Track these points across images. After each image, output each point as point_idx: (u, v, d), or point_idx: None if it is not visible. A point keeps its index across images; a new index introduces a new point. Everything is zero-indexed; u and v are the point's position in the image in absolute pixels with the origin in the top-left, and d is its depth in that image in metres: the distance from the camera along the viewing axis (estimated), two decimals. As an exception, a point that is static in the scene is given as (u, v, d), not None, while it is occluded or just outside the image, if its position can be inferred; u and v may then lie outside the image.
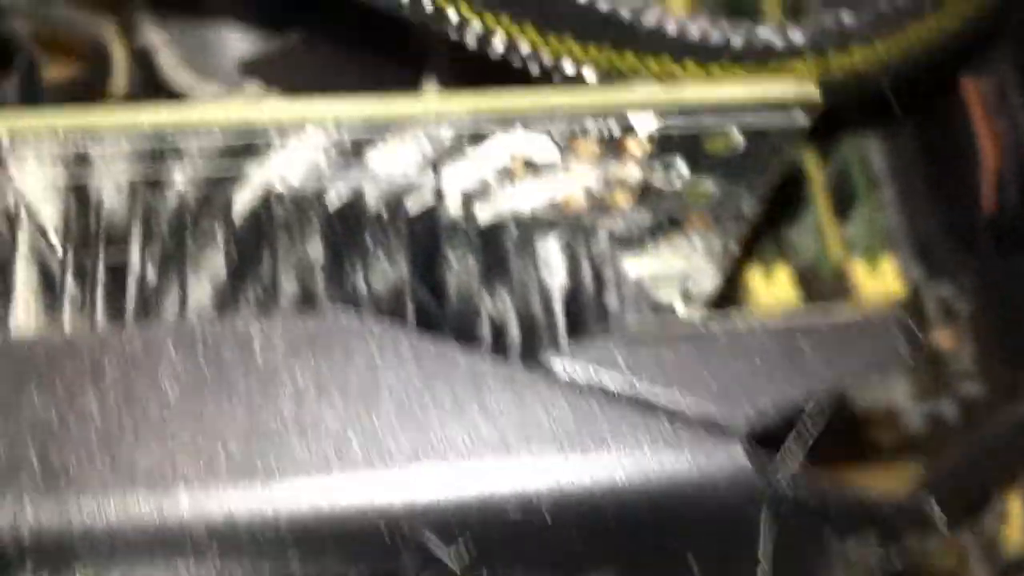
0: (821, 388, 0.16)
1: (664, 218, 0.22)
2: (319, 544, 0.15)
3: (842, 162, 0.40)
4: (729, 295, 0.36)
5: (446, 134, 0.18)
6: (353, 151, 0.19)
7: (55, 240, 0.19)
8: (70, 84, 0.35)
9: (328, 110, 0.18)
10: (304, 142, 0.18)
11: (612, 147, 0.19)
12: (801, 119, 0.19)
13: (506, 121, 0.18)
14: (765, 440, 0.16)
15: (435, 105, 0.18)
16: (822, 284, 0.37)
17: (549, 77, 0.22)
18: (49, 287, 0.19)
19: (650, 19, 0.21)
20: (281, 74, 0.35)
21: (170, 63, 0.34)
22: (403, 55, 0.33)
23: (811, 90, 0.19)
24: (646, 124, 0.19)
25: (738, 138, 0.19)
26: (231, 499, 0.15)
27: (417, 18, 0.21)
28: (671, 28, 0.21)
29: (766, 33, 0.23)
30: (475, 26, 0.21)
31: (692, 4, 0.36)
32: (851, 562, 0.17)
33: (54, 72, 0.35)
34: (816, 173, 0.40)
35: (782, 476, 0.15)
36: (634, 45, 0.22)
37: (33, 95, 0.32)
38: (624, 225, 0.21)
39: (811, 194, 0.39)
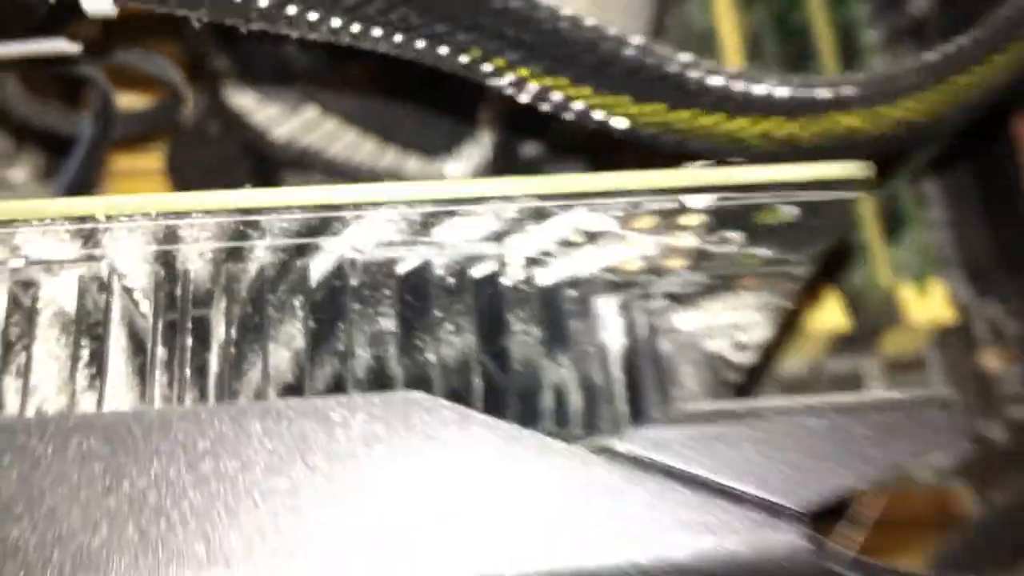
0: (874, 472, 0.17)
1: (717, 278, 0.22)
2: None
3: (892, 185, 0.40)
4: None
5: (510, 213, 0.19)
6: (423, 226, 0.20)
7: (146, 308, 0.20)
8: (142, 115, 0.36)
9: (400, 192, 0.19)
10: (377, 218, 0.19)
11: (667, 221, 0.20)
12: (852, 195, 0.20)
13: (568, 201, 0.19)
14: (822, 523, 0.17)
15: (500, 187, 0.19)
16: (871, 309, 0.38)
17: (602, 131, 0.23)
18: (139, 351, 0.20)
19: (700, 75, 0.22)
20: (339, 101, 0.36)
21: (234, 87, 0.35)
22: (459, 95, 0.34)
23: (863, 168, 0.19)
24: (699, 202, 0.19)
25: (788, 212, 0.20)
26: None
27: (477, 79, 0.22)
28: (720, 83, 0.22)
29: (817, 87, 0.24)
30: (532, 86, 0.22)
31: (748, 53, 0.37)
32: None
33: (125, 101, 0.37)
34: (866, 197, 0.40)
35: (839, 559, 0.16)
36: (687, 102, 0.23)
37: (108, 128, 0.34)
38: (678, 284, 0.22)
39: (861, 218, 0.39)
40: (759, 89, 0.23)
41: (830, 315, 0.37)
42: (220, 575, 0.16)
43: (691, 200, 0.19)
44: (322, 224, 0.20)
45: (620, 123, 0.23)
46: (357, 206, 0.19)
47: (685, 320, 0.23)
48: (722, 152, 0.23)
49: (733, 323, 0.24)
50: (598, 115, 0.23)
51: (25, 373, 0.19)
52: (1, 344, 0.20)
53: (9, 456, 0.17)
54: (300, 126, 0.35)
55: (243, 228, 0.19)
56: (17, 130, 0.34)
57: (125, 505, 0.16)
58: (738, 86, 0.23)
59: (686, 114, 0.24)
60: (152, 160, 0.38)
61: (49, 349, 0.20)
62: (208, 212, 0.19)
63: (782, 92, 0.24)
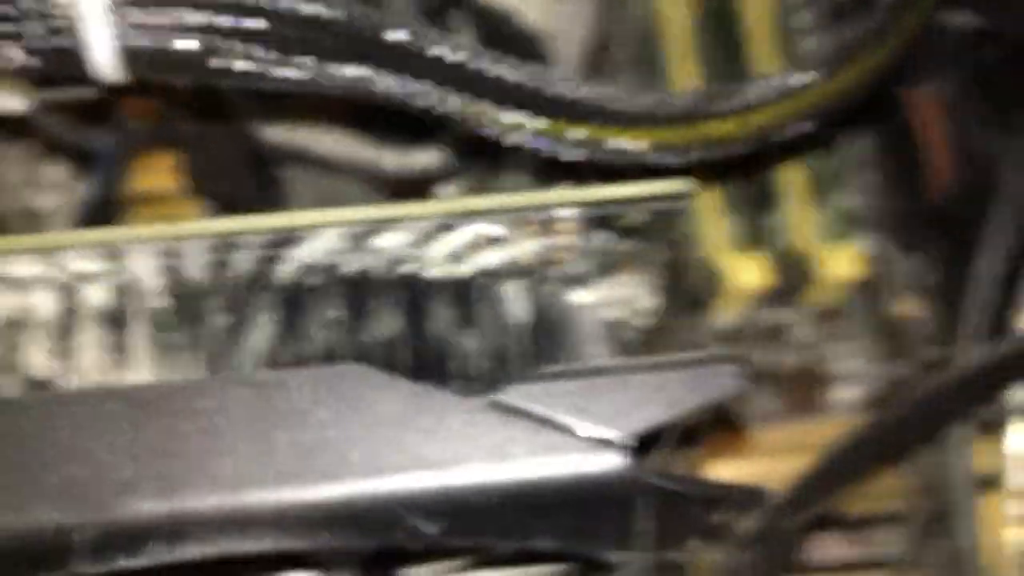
0: (680, 410, 0.24)
1: (600, 265, 0.29)
2: (344, 524, 0.23)
3: (813, 154, 0.45)
4: (704, 286, 0.43)
5: (425, 226, 0.26)
6: (360, 238, 0.27)
7: (158, 305, 0.27)
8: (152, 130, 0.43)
9: (341, 216, 0.26)
10: (326, 234, 0.26)
11: (546, 226, 0.27)
12: (682, 204, 0.26)
13: (466, 218, 0.26)
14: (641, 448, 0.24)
15: (417, 209, 0.26)
16: (792, 268, 0.43)
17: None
18: (156, 338, 0.27)
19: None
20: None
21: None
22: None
23: (687, 184, 0.26)
24: (567, 214, 0.26)
25: (638, 217, 0.26)
26: (280, 495, 0.23)
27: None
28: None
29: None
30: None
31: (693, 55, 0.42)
32: (710, 529, 0.24)
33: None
34: (793, 166, 0.45)
35: (656, 474, 0.23)
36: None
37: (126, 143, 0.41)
38: (569, 271, 0.29)
39: (784, 183, 0.44)
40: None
41: (754, 274, 0.42)
42: (210, 493, 0.23)
43: (561, 212, 0.26)
44: (286, 240, 0.27)
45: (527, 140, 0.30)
46: (312, 226, 0.26)
47: (580, 296, 0.30)
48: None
49: (622, 296, 0.31)
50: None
51: (71, 358, 0.27)
52: (57, 336, 0.27)
53: (63, 418, 0.24)
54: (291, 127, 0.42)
55: (227, 244, 0.27)
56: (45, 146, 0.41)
57: (143, 450, 0.24)
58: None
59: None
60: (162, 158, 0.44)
61: (92, 338, 0.27)
62: (200, 235, 0.26)
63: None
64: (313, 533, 0.23)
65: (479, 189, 0.43)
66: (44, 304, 0.27)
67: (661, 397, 0.23)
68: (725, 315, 0.43)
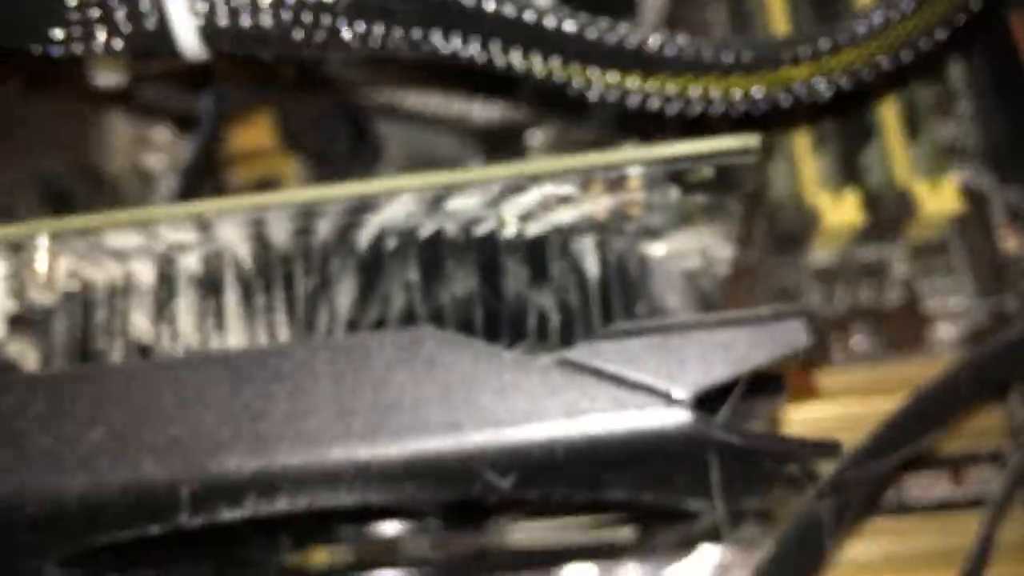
0: (745, 367, 0.24)
1: (673, 218, 0.29)
2: (423, 479, 0.25)
3: (911, 85, 0.44)
4: (798, 225, 0.42)
5: (495, 189, 0.27)
6: (435, 202, 0.28)
7: (249, 272, 0.29)
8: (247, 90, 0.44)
9: (418, 181, 0.27)
10: (403, 199, 0.27)
11: (614, 185, 0.27)
12: (749, 159, 0.27)
13: (537, 179, 0.27)
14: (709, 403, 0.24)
15: (485, 173, 0.26)
16: (887, 206, 0.42)
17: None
18: (248, 303, 0.29)
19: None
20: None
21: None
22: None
23: (752, 139, 0.26)
24: (634, 171, 0.27)
25: (707, 172, 0.27)
26: (363, 451, 0.25)
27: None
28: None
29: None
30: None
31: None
32: (785, 480, 0.25)
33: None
34: (886, 101, 0.44)
35: (721, 428, 0.24)
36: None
37: (222, 105, 0.42)
38: (641, 224, 0.29)
39: (879, 117, 0.44)
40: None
41: (848, 213, 0.42)
42: (299, 451, 0.25)
43: (628, 171, 0.27)
44: (365, 206, 0.28)
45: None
46: (389, 192, 0.27)
47: (655, 248, 0.31)
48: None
49: (698, 246, 0.31)
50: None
51: (171, 322, 0.28)
52: (156, 302, 0.29)
53: (166, 382, 0.26)
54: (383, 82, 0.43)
55: (309, 212, 0.28)
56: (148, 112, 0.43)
57: (241, 410, 0.25)
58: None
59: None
60: (265, 122, 0.46)
61: (187, 304, 0.29)
62: (282, 205, 0.27)
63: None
64: (395, 487, 0.25)
65: (565, 137, 0.44)
66: (144, 273, 0.29)
67: (728, 353, 0.24)
68: (821, 253, 0.43)
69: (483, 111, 0.43)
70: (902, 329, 0.42)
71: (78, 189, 0.45)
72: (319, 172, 0.44)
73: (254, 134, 0.46)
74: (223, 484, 0.25)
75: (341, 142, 0.44)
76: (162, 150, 0.47)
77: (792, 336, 0.24)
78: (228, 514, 0.25)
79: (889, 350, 0.42)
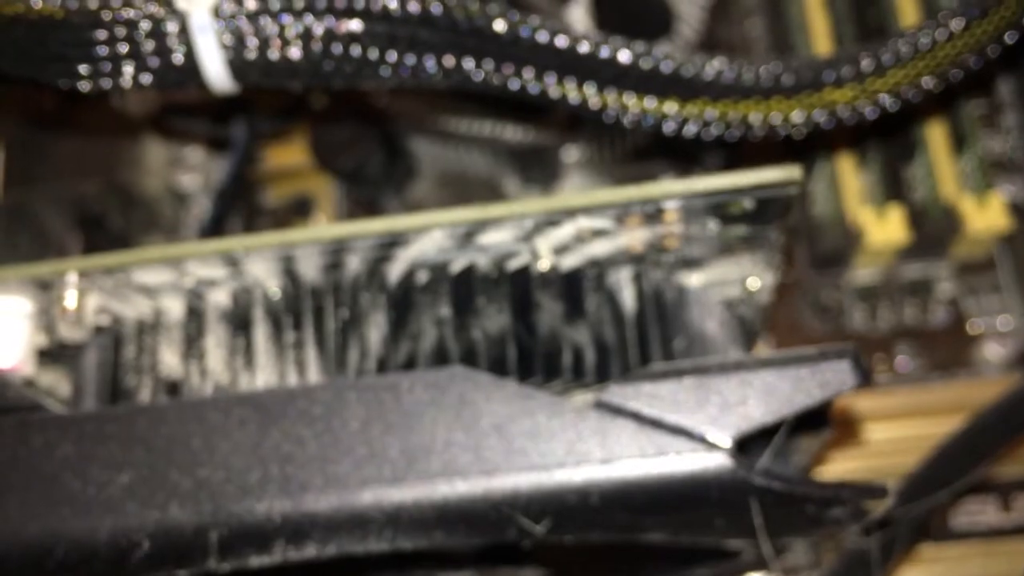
0: (787, 411, 0.23)
1: (712, 249, 0.29)
2: (455, 524, 0.24)
3: (957, 102, 0.43)
4: (841, 243, 0.41)
5: (529, 224, 0.26)
6: (467, 236, 0.27)
7: (280, 308, 0.28)
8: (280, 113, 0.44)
9: (449, 217, 0.26)
10: (434, 235, 0.27)
11: (651, 218, 0.26)
12: (790, 191, 0.26)
13: (571, 213, 0.26)
14: (752, 448, 0.24)
15: (518, 208, 0.26)
16: (932, 221, 0.41)
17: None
18: (278, 340, 0.28)
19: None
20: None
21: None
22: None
23: (794, 170, 0.25)
24: (671, 205, 0.26)
25: (748, 204, 0.26)
26: (393, 495, 0.24)
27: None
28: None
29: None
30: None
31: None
32: (822, 527, 0.24)
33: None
34: (931, 115, 0.43)
35: (756, 473, 0.23)
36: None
37: (254, 131, 0.42)
38: (679, 255, 0.28)
39: (923, 131, 0.42)
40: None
41: (893, 230, 0.41)
42: (330, 495, 0.24)
43: (665, 204, 0.26)
44: (395, 241, 0.27)
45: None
46: (420, 228, 0.27)
47: (694, 278, 0.30)
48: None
49: (740, 275, 0.30)
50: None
51: (200, 359, 0.28)
52: (185, 338, 0.28)
53: (195, 423, 0.25)
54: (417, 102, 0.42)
55: (339, 247, 0.27)
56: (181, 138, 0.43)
57: (270, 452, 0.25)
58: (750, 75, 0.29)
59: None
60: (299, 141, 0.46)
61: (217, 340, 0.28)
62: (312, 241, 0.27)
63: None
64: (426, 533, 0.24)
65: (599, 158, 0.43)
66: (173, 309, 0.28)
67: (771, 396, 0.23)
68: (864, 271, 0.42)
69: (516, 131, 0.42)
70: (948, 349, 0.41)
71: (111, 210, 0.45)
72: (353, 191, 0.44)
73: (288, 153, 0.46)
74: (252, 529, 0.24)
75: (375, 161, 0.44)
76: (196, 170, 0.47)
77: (838, 377, 0.23)
78: (257, 560, 0.24)
79: (934, 371, 0.41)
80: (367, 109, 0.43)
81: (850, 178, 0.41)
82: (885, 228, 0.40)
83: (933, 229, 0.40)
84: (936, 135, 0.41)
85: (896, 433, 0.40)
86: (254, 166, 0.44)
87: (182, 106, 0.41)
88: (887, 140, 0.42)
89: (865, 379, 0.22)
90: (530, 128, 0.42)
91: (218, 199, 0.43)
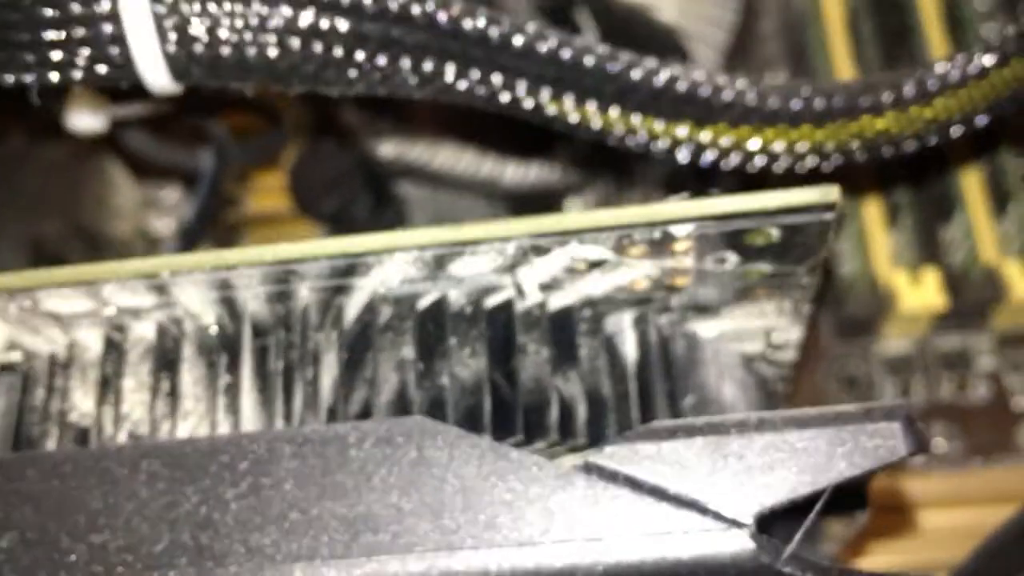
0: (825, 481, 0.18)
1: (730, 291, 0.24)
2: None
3: (998, 157, 0.40)
4: (869, 308, 0.38)
5: (511, 250, 0.22)
6: (437, 264, 0.23)
7: (214, 344, 0.24)
8: (254, 146, 0.41)
9: (417, 238, 0.22)
10: (398, 260, 0.22)
11: (658, 247, 0.22)
12: (827, 216, 0.21)
13: (560, 238, 0.22)
14: (775, 525, 0.19)
15: (499, 229, 0.21)
16: (971, 287, 0.38)
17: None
18: (210, 382, 0.24)
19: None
20: (437, 116, 0.39)
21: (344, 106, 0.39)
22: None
23: (832, 192, 0.21)
24: (682, 230, 0.21)
25: (774, 233, 0.22)
26: (332, 574, 0.19)
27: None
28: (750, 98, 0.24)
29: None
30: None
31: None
32: None
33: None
34: (970, 171, 0.40)
35: (784, 560, 0.18)
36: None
37: (225, 162, 0.39)
38: (690, 298, 0.24)
39: (961, 187, 0.39)
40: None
41: (928, 294, 0.38)
42: (251, 571, 0.19)
43: (675, 229, 0.21)
44: (353, 267, 0.23)
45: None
46: (382, 251, 0.22)
47: (708, 328, 0.25)
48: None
49: (763, 326, 0.26)
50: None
51: (117, 403, 0.23)
52: (99, 379, 0.24)
53: (94, 478, 0.21)
54: (404, 141, 0.39)
55: (287, 273, 0.23)
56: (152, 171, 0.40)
57: (183, 517, 0.20)
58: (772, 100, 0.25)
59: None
60: (276, 179, 0.43)
61: (138, 382, 0.24)
62: (252, 264, 0.22)
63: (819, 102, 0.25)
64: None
65: (608, 203, 0.39)
66: (91, 344, 0.24)
67: (803, 463, 0.19)
68: (895, 341, 0.38)
69: (516, 172, 0.38)
70: (988, 430, 0.38)
71: (72, 252, 0.42)
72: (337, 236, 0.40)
73: (268, 198, 0.42)
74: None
75: (361, 205, 0.40)
76: (170, 213, 0.44)
77: (886, 443, 0.18)
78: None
79: (973, 454, 0.37)
80: (353, 145, 0.40)
81: (880, 237, 0.38)
82: (920, 293, 0.37)
83: (973, 296, 0.37)
84: (975, 191, 0.38)
85: (930, 523, 0.36)
86: (231, 208, 0.41)
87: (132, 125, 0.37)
88: (921, 195, 0.39)
89: (920, 446, 0.18)
90: (532, 171, 0.38)
91: (184, 238, 0.40)
